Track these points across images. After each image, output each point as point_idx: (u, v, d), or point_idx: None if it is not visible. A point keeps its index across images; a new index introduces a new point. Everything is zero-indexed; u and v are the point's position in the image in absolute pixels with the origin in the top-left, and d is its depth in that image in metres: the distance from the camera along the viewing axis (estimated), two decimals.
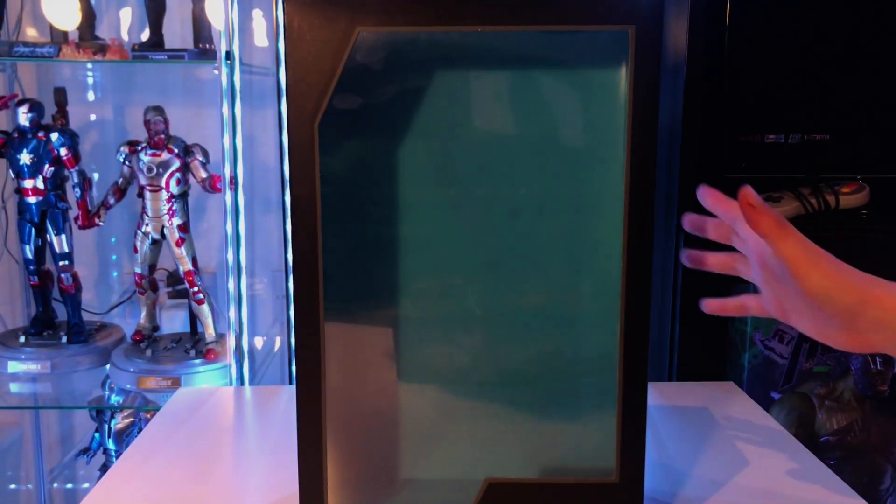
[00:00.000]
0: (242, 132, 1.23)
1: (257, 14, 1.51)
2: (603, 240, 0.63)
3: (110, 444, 1.40)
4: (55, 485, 1.68)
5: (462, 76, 0.62)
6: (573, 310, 0.65)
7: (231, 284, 1.25)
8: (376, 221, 0.63)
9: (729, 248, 0.61)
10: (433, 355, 0.66)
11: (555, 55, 0.61)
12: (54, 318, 1.42)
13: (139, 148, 1.30)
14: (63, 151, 1.30)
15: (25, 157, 1.29)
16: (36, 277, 1.37)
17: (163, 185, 1.29)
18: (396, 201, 0.63)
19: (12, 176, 1.32)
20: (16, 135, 1.30)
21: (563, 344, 0.66)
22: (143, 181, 1.30)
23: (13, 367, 1.34)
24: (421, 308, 0.65)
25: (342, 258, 0.63)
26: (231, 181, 1.23)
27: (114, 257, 1.63)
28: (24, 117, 1.28)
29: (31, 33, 1.50)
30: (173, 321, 1.50)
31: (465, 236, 0.64)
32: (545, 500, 0.66)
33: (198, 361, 1.32)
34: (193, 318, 1.42)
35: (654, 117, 0.60)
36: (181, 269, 1.33)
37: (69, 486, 1.70)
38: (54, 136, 1.29)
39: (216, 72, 1.23)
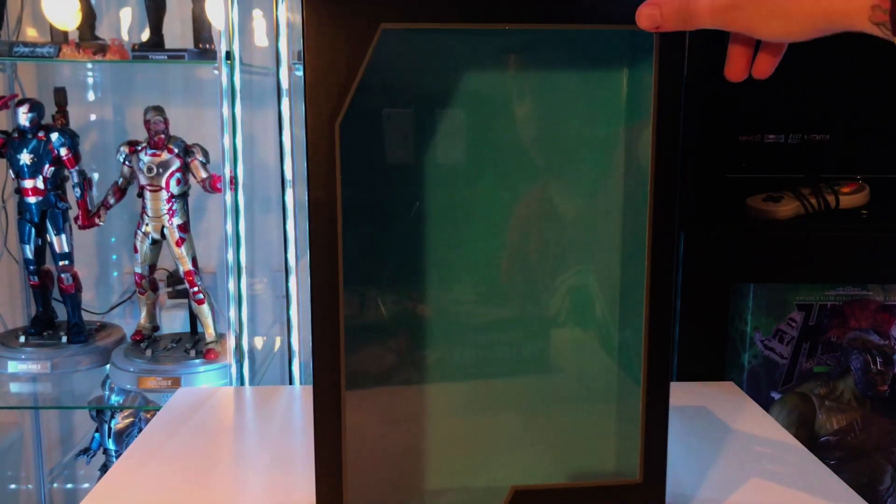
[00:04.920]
0: (242, 132, 1.23)
1: (257, 14, 1.51)
2: (627, 241, 0.63)
3: (110, 444, 1.40)
4: (55, 485, 1.68)
5: (487, 76, 0.61)
6: (594, 314, 0.65)
7: (231, 284, 1.25)
8: (396, 223, 0.63)
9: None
10: (455, 361, 0.65)
11: (579, 54, 0.61)
12: (54, 318, 1.42)
13: (139, 148, 1.30)
14: (63, 151, 1.30)
15: (25, 157, 1.29)
16: (36, 277, 1.36)
17: (163, 185, 1.29)
18: (418, 204, 0.62)
19: (12, 176, 1.32)
20: (16, 135, 1.30)
21: (585, 347, 0.65)
22: (143, 181, 1.30)
23: (13, 367, 1.34)
24: (443, 312, 0.64)
25: (361, 260, 0.62)
26: (231, 181, 1.23)
27: (114, 257, 1.63)
28: (24, 117, 1.28)
29: (31, 33, 1.50)
30: (173, 321, 1.50)
31: (487, 238, 0.63)
32: None
33: (198, 361, 1.32)
34: (193, 318, 1.42)
35: (678, 117, 0.60)
36: (181, 269, 1.33)
37: (69, 486, 1.70)
38: (54, 136, 1.29)
39: (216, 72, 1.23)
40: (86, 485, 1.68)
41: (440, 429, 0.66)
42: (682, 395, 1.00)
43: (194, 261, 1.33)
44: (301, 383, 1.24)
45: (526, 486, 0.65)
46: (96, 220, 1.34)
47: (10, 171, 1.32)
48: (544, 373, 0.66)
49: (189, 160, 1.30)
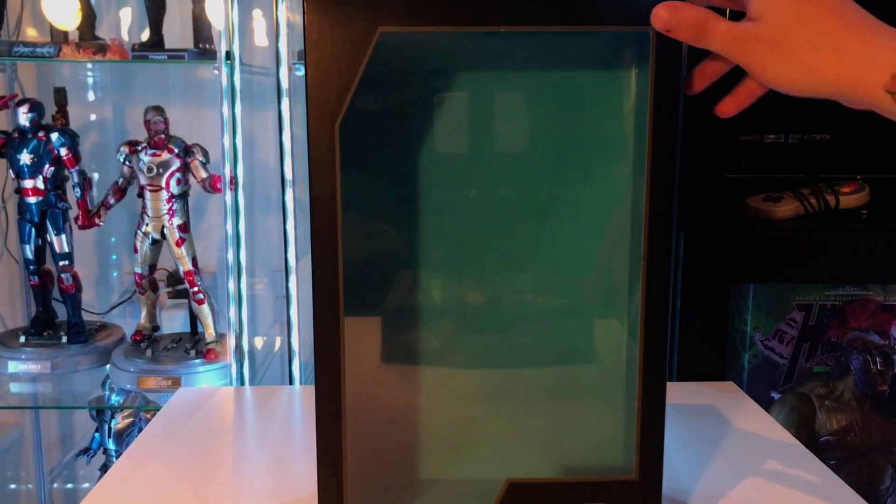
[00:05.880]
0: (242, 132, 1.23)
1: (257, 14, 1.51)
2: (623, 239, 0.63)
3: (110, 444, 1.40)
4: (55, 485, 1.68)
5: (483, 77, 0.62)
6: (591, 310, 0.65)
7: (231, 284, 1.25)
8: (395, 221, 0.63)
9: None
10: (453, 355, 0.66)
11: (575, 56, 0.61)
12: (54, 318, 1.42)
13: (139, 148, 1.30)
14: (63, 151, 1.30)
15: (25, 157, 1.29)
16: (36, 277, 1.36)
17: (163, 185, 1.29)
18: (416, 201, 0.63)
19: (12, 176, 1.32)
20: (16, 135, 1.30)
21: (582, 343, 0.66)
22: (143, 181, 1.30)
23: (13, 367, 1.34)
24: (440, 308, 0.65)
25: (361, 258, 0.63)
26: (231, 181, 1.23)
27: (114, 257, 1.63)
28: (24, 117, 1.28)
29: (31, 33, 1.50)
30: (173, 321, 1.50)
31: (484, 236, 0.64)
32: (565, 499, 0.66)
33: (198, 361, 1.32)
34: (193, 318, 1.42)
35: (675, 118, 0.60)
36: (181, 269, 1.33)
37: (69, 486, 1.70)
38: (54, 136, 1.29)
39: (216, 72, 1.23)
40: (86, 485, 1.68)
41: (437, 420, 0.66)
42: (682, 394, 1.00)
43: (194, 261, 1.33)
44: (301, 383, 1.24)
45: (521, 479, 0.66)
46: (96, 220, 1.34)
47: (10, 171, 1.32)
48: (543, 366, 0.66)
49: (189, 160, 1.30)
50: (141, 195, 1.32)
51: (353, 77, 0.59)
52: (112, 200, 1.35)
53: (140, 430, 1.38)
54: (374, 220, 0.63)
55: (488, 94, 0.62)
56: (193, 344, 1.37)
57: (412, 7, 0.58)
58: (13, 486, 1.67)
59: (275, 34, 1.18)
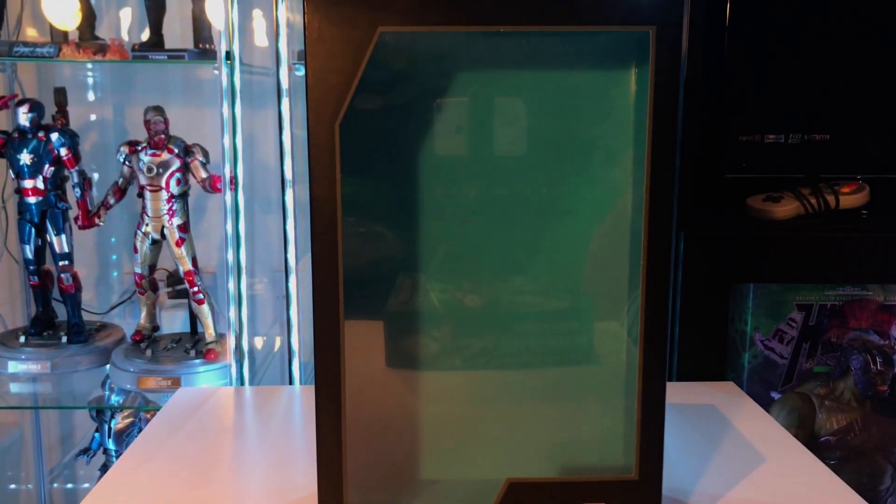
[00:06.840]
0: (242, 132, 1.23)
1: (257, 14, 1.51)
2: (623, 239, 0.63)
3: (110, 444, 1.40)
4: (55, 485, 1.68)
5: (483, 77, 0.62)
6: (591, 310, 0.65)
7: (231, 284, 1.25)
8: (395, 221, 0.63)
9: None
10: (453, 356, 0.66)
11: (575, 56, 0.62)
12: (54, 318, 1.42)
13: (139, 148, 1.30)
14: (63, 151, 1.30)
15: (25, 157, 1.29)
16: (36, 277, 1.37)
17: (163, 185, 1.29)
18: (416, 201, 0.63)
19: (12, 176, 1.32)
20: (16, 135, 1.30)
21: (582, 344, 0.66)
22: (143, 181, 1.30)
23: (13, 367, 1.34)
24: (441, 306, 0.65)
25: (360, 258, 0.63)
26: (231, 181, 1.23)
27: (114, 257, 1.63)
28: (24, 117, 1.28)
29: (31, 33, 1.50)
30: (173, 321, 1.50)
31: (484, 235, 0.64)
32: (565, 499, 0.66)
33: (198, 361, 1.32)
34: (193, 318, 1.42)
35: (675, 117, 0.61)
36: (181, 269, 1.33)
37: (69, 486, 1.70)
38: (54, 136, 1.29)
39: (216, 72, 1.23)
40: (86, 485, 1.68)
41: (437, 421, 0.66)
42: (682, 394, 1.00)
43: (194, 261, 1.33)
44: (301, 383, 1.24)
45: (521, 479, 0.66)
46: (96, 221, 1.34)
47: (10, 171, 1.32)
48: (542, 367, 0.66)
49: (189, 160, 1.30)
50: (141, 195, 1.32)
51: (353, 77, 0.59)
52: (112, 200, 1.35)
53: (140, 430, 1.38)
54: (374, 220, 0.63)
55: (488, 94, 0.62)
56: (193, 344, 1.37)
57: (412, 7, 0.59)
58: (13, 486, 1.67)
59: (275, 34, 1.18)
